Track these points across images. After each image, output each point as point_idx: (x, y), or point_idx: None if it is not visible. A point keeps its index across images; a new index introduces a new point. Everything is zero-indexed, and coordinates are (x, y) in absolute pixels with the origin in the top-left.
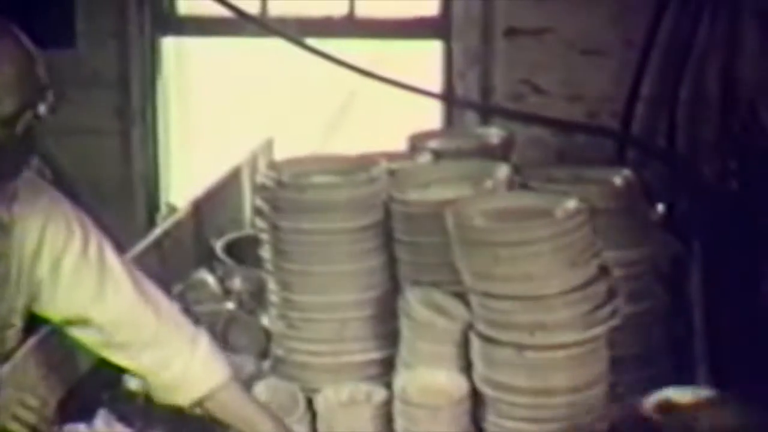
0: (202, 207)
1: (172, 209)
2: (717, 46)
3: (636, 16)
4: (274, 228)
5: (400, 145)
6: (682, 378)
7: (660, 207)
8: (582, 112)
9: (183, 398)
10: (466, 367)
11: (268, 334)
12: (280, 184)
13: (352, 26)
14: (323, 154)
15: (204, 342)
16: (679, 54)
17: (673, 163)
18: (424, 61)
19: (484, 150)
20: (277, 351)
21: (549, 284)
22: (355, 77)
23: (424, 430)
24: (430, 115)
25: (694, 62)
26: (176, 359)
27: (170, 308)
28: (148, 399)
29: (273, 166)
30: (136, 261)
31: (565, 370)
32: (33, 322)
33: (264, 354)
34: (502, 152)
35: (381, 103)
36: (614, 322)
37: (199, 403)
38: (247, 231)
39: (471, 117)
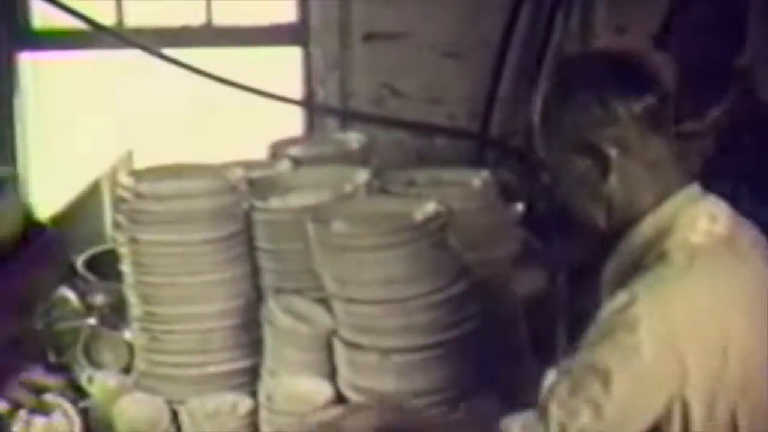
0: (62, 223)
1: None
2: (571, 44)
3: (492, 16)
4: (133, 241)
5: (264, 153)
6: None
7: (519, 206)
8: (442, 115)
9: None
10: (331, 374)
11: (131, 348)
12: (137, 195)
13: (210, 35)
14: (181, 164)
15: None
16: (535, 53)
17: (530, 163)
18: (284, 67)
19: (343, 155)
20: (141, 365)
21: (410, 287)
22: (215, 86)
23: None
24: (292, 122)
25: (550, 61)
26: None
27: None
28: None
29: (130, 175)
30: None
31: (430, 371)
32: None
33: (127, 369)
34: (361, 157)
35: (242, 112)
36: (476, 322)
37: None
38: (108, 245)
39: (332, 122)
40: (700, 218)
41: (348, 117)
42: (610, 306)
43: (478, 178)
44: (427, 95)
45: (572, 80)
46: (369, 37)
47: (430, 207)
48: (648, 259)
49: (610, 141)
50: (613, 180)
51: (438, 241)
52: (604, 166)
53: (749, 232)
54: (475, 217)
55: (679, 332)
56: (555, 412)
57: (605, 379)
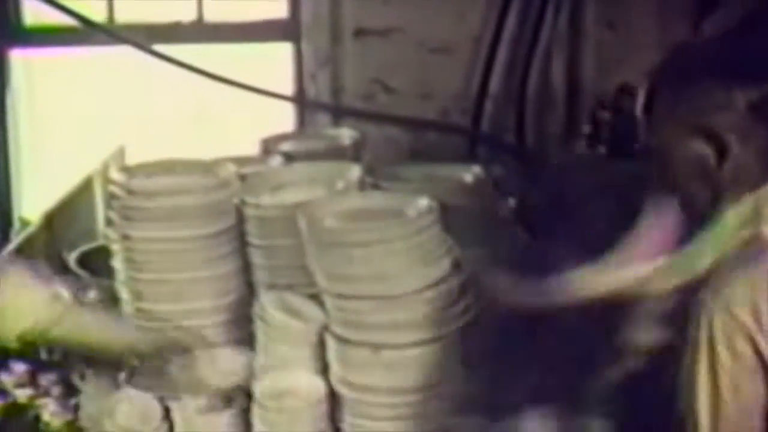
0: (54, 220)
1: (26, 224)
2: (560, 39)
3: (482, 12)
4: (125, 237)
5: (255, 149)
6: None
7: (511, 201)
8: (433, 110)
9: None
10: (323, 369)
11: None
12: (129, 192)
13: (201, 31)
14: (172, 160)
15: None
16: (525, 49)
17: (522, 158)
18: (275, 63)
19: (335, 151)
20: (133, 361)
21: (402, 283)
22: (207, 83)
23: None
24: (284, 118)
25: (539, 57)
26: None
27: None
28: None
29: (122, 171)
30: None
31: (421, 367)
32: None
33: (119, 365)
34: (353, 153)
35: (234, 108)
36: (467, 318)
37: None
38: (100, 242)
39: (323, 118)
40: None
41: (339, 113)
42: (692, 319)
43: (470, 174)
44: (418, 91)
45: (692, 65)
46: (359, 32)
47: (422, 203)
48: (728, 251)
49: (729, 127)
50: (728, 167)
51: (430, 237)
52: (721, 152)
53: None
54: (467, 212)
55: (751, 328)
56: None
57: (714, 390)
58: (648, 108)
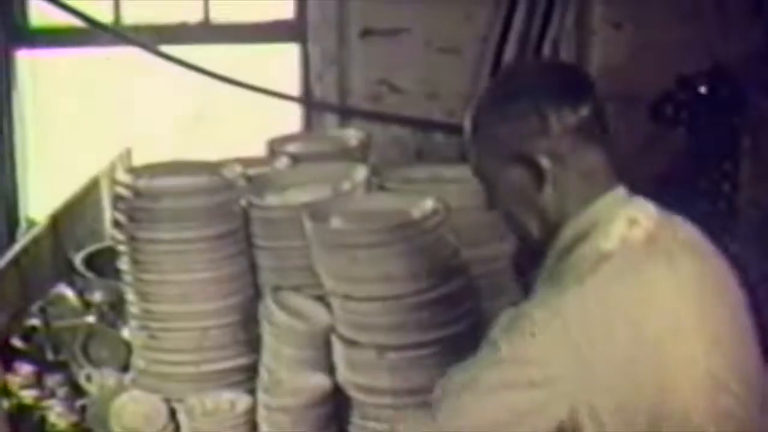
0: (60, 220)
1: (32, 224)
2: (567, 39)
3: (488, 12)
4: (132, 239)
5: (261, 150)
6: None
7: None
8: (440, 111)
9: None
10: (329, 370)
11: (129, 346)
12: (136, 193)
13: (208, 32)
14: (179, 161)
15: None
16: (532, 49)
17: None
18: (282, 64)
19: (342, 152)
20: (139, 362)
21: (408, 285)
22: (213, 83)
23: None
24: (290, 119)
25: (546, 56)
26: None
27: None
28: None
29: (129, 172)
30: None
31: (426, 369)
32: None
33: (126, 366)
34: (360, 154)
35: (240, 109)
36: (473, 319)
37: None
38: (107, 243)
39: (330, 119)
40: (617, 223)
41: (346, 113)
42: (507, 317)
43: None
44: (424, 91)
45: (509, 90)
46: (366, 33)
47: (428, 204)
48: (560, 266)
49: (545, 152)
50: (548, 191)
51: (435, 239)
52: (538, 177)
53: (680, 233)
54: (473, 214)
55: (578, 342)
56: None
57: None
58: (474, 133)
